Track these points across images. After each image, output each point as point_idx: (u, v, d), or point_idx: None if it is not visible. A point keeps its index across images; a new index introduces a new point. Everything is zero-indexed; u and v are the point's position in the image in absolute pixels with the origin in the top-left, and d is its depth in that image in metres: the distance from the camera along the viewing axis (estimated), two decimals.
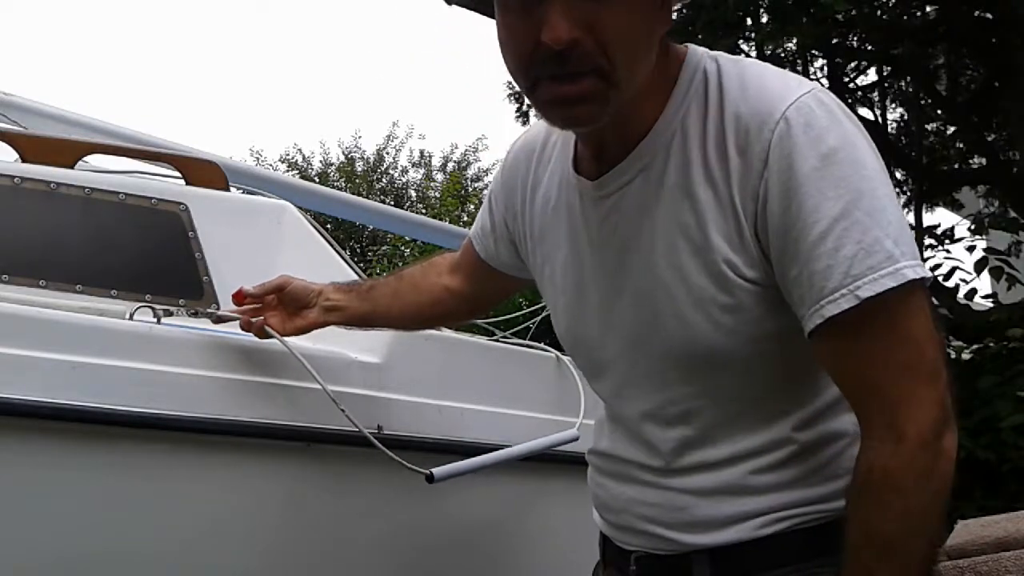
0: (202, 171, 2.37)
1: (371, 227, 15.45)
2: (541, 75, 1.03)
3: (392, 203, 16.89)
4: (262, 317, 1.74)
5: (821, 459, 1.15)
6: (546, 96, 1.05)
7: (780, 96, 1.03)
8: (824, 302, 1.01)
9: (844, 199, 1.00)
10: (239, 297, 1.75)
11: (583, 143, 1.19)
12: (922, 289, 1.03)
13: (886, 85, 8.78)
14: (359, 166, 19.34)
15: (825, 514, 1.14)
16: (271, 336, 1.73)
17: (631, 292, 1.16)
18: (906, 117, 9.01)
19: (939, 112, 8.86)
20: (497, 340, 2.63)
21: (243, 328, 1.75)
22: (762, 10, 7.45)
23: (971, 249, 8.06)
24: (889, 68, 8.59)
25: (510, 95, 15.61)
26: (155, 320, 1.83)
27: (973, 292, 6.96)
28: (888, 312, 1.01)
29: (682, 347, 1.12)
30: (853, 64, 8.38)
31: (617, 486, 1.27)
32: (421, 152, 19.70)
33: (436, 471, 1.84)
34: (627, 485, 1.24)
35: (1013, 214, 8.21)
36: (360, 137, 20.93)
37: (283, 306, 1.73)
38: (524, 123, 15.43)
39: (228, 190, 2.46)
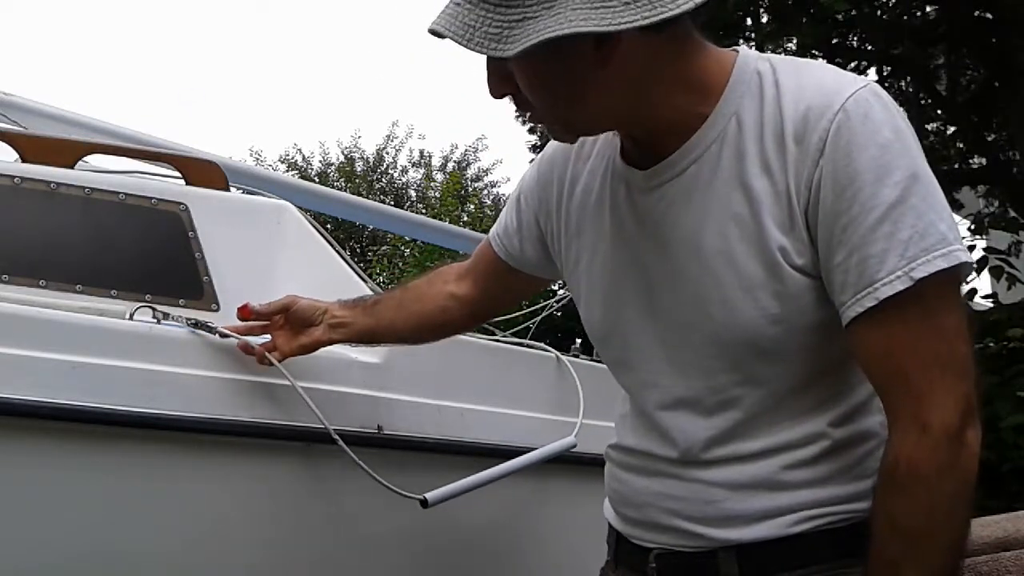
0: (202, 171, 2.37)
1: (371, 227, 15.45)
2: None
3: (392, 203, 16.89)
4: (263, 340, 1.75)
5: (852, 458, 1.15)
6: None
7: (837, 90, 1.06)
8: (879, 284, 1.03)
9: (900, 186, 1.03)
10: (245, 312, 1.73)
11: (632, 141, 1.20)
12: (959, 281, 1.07)
13: (886, 85, 8.77)
14: (359, 166, 19.35)
15: (854, 514, 1.14)
16: (271, 363, 1.71)
17: (677, 280, 1.15)
18: (906, 117, 9.00)
19: (939, 112, 8.86)
20: (497, 340, 2.63)
21: (243, 351, 1.75)
22: (762, 10, 7.45)
23: (971, 249, 8.07)
24: (889, 68, 8.59)
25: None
26: (155, 320, 1.83)
27: (973, 292, 6.97)
28: (934, 294, 1.03)
29: (728, 333, 1.12)
30: (853, 64, 8.38)
31: (641, 480, 1.25)
32: (421, 152, 19.72)
33: (430, 496, 1.83)
34: (653, 479, 1.23)
35: (1013, 214, 8.22)
36: (360, 137, 20.99)
37: (289, 325, 1.72)
38: (524, 123, 15.49)
39: (228, 190, 2.46)
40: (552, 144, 1.35)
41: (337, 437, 1.77)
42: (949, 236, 1.03)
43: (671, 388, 1.20)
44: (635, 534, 1.27)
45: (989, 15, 7.72)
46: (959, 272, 1.04)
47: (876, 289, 1.03)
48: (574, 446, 2.15)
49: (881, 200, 1.02)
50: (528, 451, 2.11)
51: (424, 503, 1.83)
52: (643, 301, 1.20)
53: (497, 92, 1.11)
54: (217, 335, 1.79)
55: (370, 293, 2.28)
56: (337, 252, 2.40)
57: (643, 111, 1.12)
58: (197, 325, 1.79)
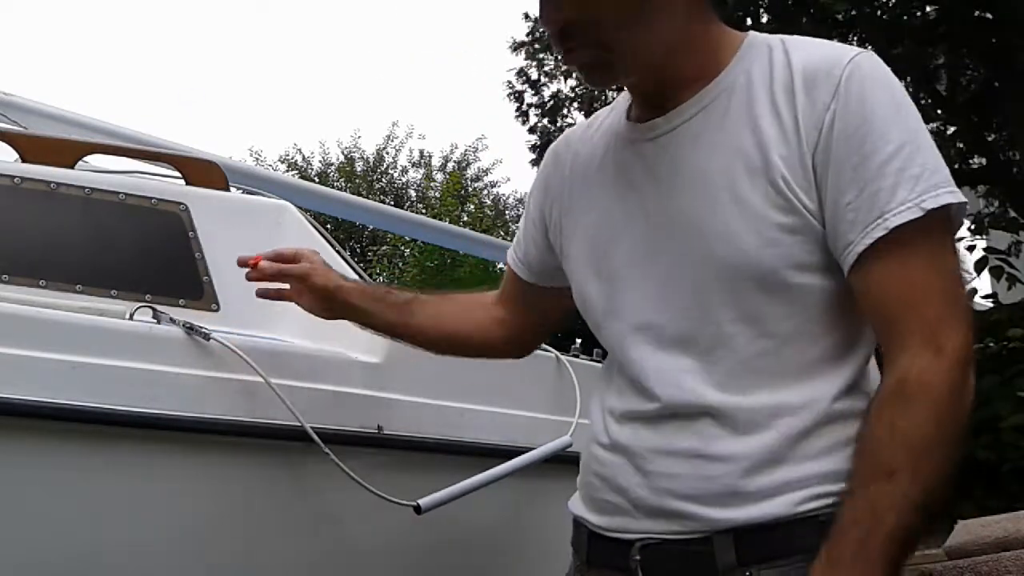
0: (202, 171, 2.37)
1: (371, 227, 15.45)
2: (559, 49, 1.17)
3: (392, 203, 16.90)
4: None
5: (848, 435, 1.11)
6: (565, 64, 1.20)
7: (845, 51, 1.12)
8: (889, 214, 1.05)
9: (910, 129, 1.08)
10: (256, 273, 1.64)
11: (642, 100, 1.23)
12: (958, 226, 1.12)
13: None
14: (359, 166, 19.36)
15: None
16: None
17: (677, 218, 1.15)
18: None
19: (939, 112, 8.86)
20: None
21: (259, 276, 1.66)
22: (762, 10, 7.46)
23: (971, 249, 8.08)
24: (889, 68, 8.59)
25: (510, 95, 15.69)
26: (155, 320, 1.83)
27: (973, 292, 6.98)
28: (939, 231, 1.07)
29: (727, 262, 1.11)
30: None
31: (624, 460, 1.18)
32: (421, 152, 19.75)
33: (423, 501, 1.83)
34: (640, 457, 1.16)
35: (1013, 214, 8.22)
36: (360, 137, 20.99)
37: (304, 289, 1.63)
38: (524, 123, 15.51)
39: (228, 190, 2.46)
40: (556, 141, 1.38)
41: (320, 442, 1.77)
42: (950, 179, 1.08)
43: (664, 328, 1.16)
44: (615, 525, 1.19)
45: (989, 15, 7.72)
46: (961, 213, 1.08)
47: (886, 219, 1.05)
48: (570, 445, 2.15)
49: (892, 139, 1.06)
50: (526, 451, 2.11)
51: (417, 509, 1.82)
52: (640, 250, 1.18)
53: (555, 20, 1.14)
54: (212, 340, 1.78)
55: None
56: (337, 252, 2.40)
57: (676, 55, 1.16)
58: (192, 329, 1.78)
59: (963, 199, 1.08)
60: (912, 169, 1.06)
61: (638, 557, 1.16)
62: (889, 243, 1.05)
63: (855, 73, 1.09)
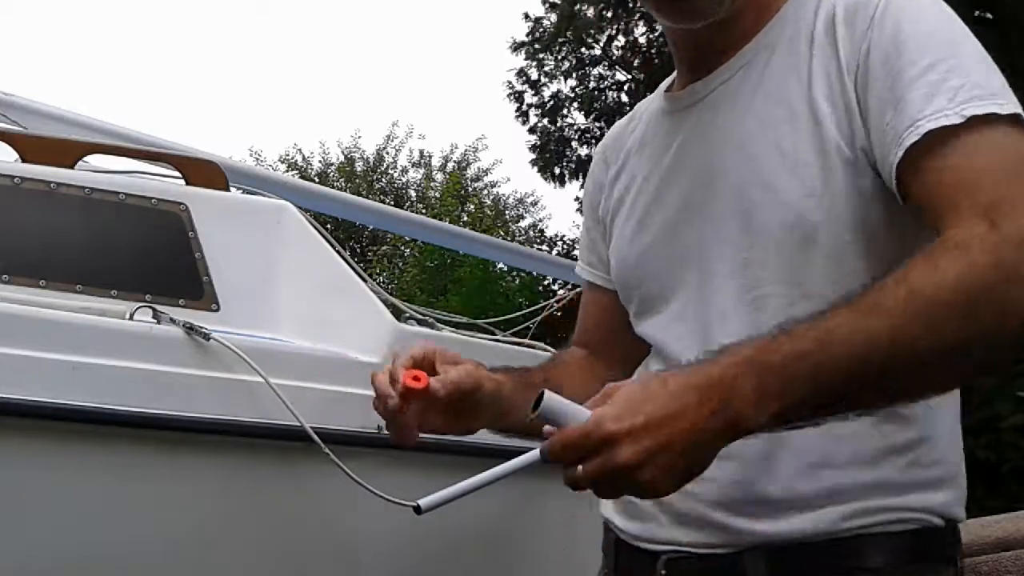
0: (202, 171, 2.37)
1: (371, 227, 15.45)
2: None
3: (392, 203, 16.90)
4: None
5: (900, 441, 0.99)
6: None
7: None
8: (922, 120, 0.93)
9: (951, 44, 0.97)
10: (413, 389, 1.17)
11: (683, 63, 1.18)
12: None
13: None
14: (359, 166, 19.36)
15: (914, 517, 0.99)
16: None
17: (717, 177, 1.07)
18: None
19: None
20: (497, 340, 2.63)
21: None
22: None
23: None
24: None
25: (510, 95, 15.71)
26: (155, 320, 1.83)
27: None
28: (995, 132, 0.91)
29: (769, 217, 1.01)
30: None
31: None
32: (421, 152, 19.76)
33: (423, 502, 1.82)
34: None
35: None
36: (360, 137, 21.03)
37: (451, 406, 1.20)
38: (524, 123, 15.55)
39: (228, 190, 2.46)
40: (602, 141, 1.34)
41: (320, 442, 1.77)
42: (1001, 92, 0.94)
43: (701, 300, 1.07)
44: (642, 533, 1.08)
45: (989, 15, 7.72)
46: (1018, 120, 0.92)
47: (918, 125, 0.92)
48: None
49: (928, 54, 0.95)
50: (526, 451, 2.10)
51: (417, 509, 1.82)
52: (680, 215, 1.10)
53: None
54: (212, 340, 1.79)
55: (370, 294, 2.28)
56: (337, 252, 2.40)
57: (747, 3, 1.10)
58: (192, 329, 1.78)
59: (1019, 110, 0.93)
60: (952, 81, 0.93)
61: (664, 572, 1.05)
62: (924, 150, 0.92)
63: (892, 3, 1.00)
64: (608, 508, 1.17)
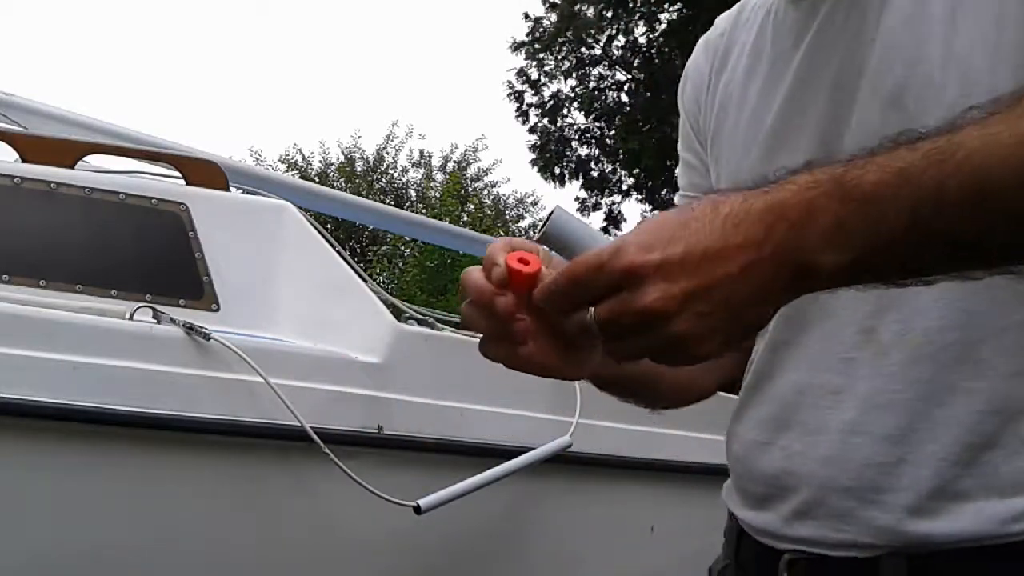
0: (202, 171, 2.37)
1: (371, 227, 15.45)
2: None
3: (392, 203, 16.91)
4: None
5: None
6: None
7: None
8: None
9: None
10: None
11: None
12: None
13: None
14: (359, 166, 19.38)
15: None
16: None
17: (863, 83, 0.81)
18: None
19: None
20: None
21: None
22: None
23: None
24: None
25: (510, 95, 15.70)
26: (155, 320, 1.83)
27: None
28: None
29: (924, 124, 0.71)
30: None
31: (780, 431, 0.84)
32: (421, 152, 19.77)
33: (423, 502, 1.83)
34: (810, 436, 0.82)
35: None
36: (360, 137, 21.04)
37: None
38: (524, 123, 15.55)
39: (228, 190, 2.46)
40: (694, 54, 1.07)
41: (320, 442, 1.77)
42: None
43: None
44: (765, 526, 0.86)
45: None
46: None
47: None
48: (570, 445, 2.15)
49: None
50: (526, 451, 2.11)
51: (417, 509, 1.83)
52: (812, 133, 0.85)
53: None
54: (212, 340, 1.79)
55: (370, 294, 2.28)
56: (337, 252, 2.40)
57: None
58: (192, 329, 1.79)
59: None
60: None
61: (786, 575, 0.84)
62: None
63: None
64: (729, 493, 0.95)
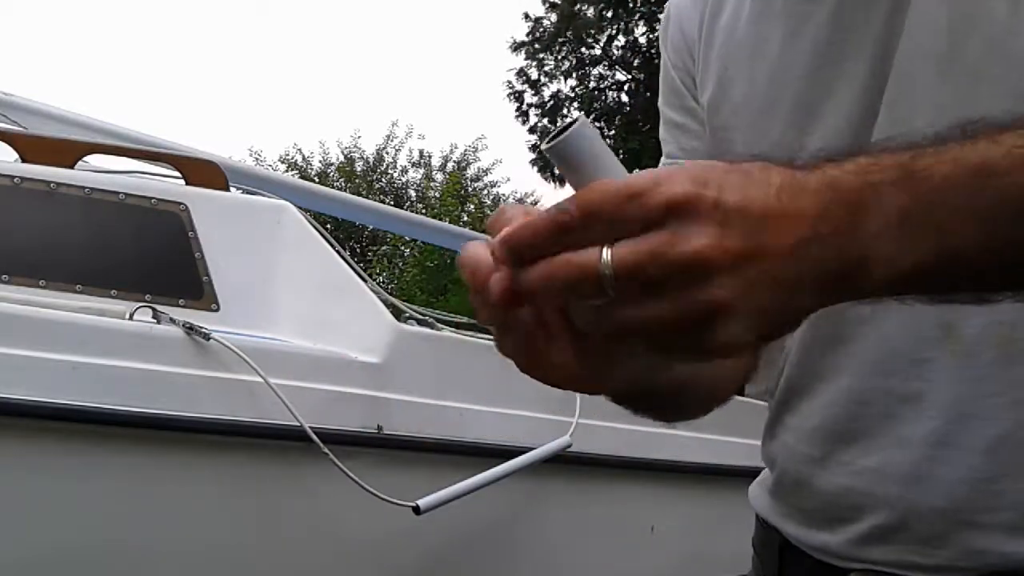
0: (202, 171, 2.37)
1: (371, 227, 15.45)
2: None
3: (392, 203, 16.90)
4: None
5: None
6: None
7: None
8: None
9: None
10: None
11: None
12: None
13: None
14: (359, 166, 19.38)
15: None
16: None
17: (912, 44, 0.68)
18: None
19: None
20: None
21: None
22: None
23: None
24: None
25: (510, 95, 15.72)
26: (155, 320, 1.83)
27: None
28: None
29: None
30: None
31: (865, 459, 0.72)
32: (421, 152, 19.75)
33: (422, 502, 1.83)
34: (884, 452, 0.70)
35: None
36: (359, 137, 21.00)
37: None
38: (524, 123, 15.56)
39: (228, 190, 2.46)
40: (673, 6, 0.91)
41: (319, 443, 1.77)
42: None
43: None
44: (826, 545, 0.75)
45: None
46: None
47: None
48: (570, 446, 2.15)
49: None
50: (526, 451, 2.11)
51: (417, 510, 1.83)
52: (852, 103, 0.71)
53: None
54: (211, 340, 1.79)
55: (370, 294, 2.28)
56: (337, 252, 2.40)
57: None
58: (192, 329, 1.79)
59: None
60: None
61: None
62: None
63: None
64: (762, 502, 0.83)
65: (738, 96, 0.80)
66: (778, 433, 0.79)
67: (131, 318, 1.83)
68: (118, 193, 2.14)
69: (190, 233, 2.16)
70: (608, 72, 15.43)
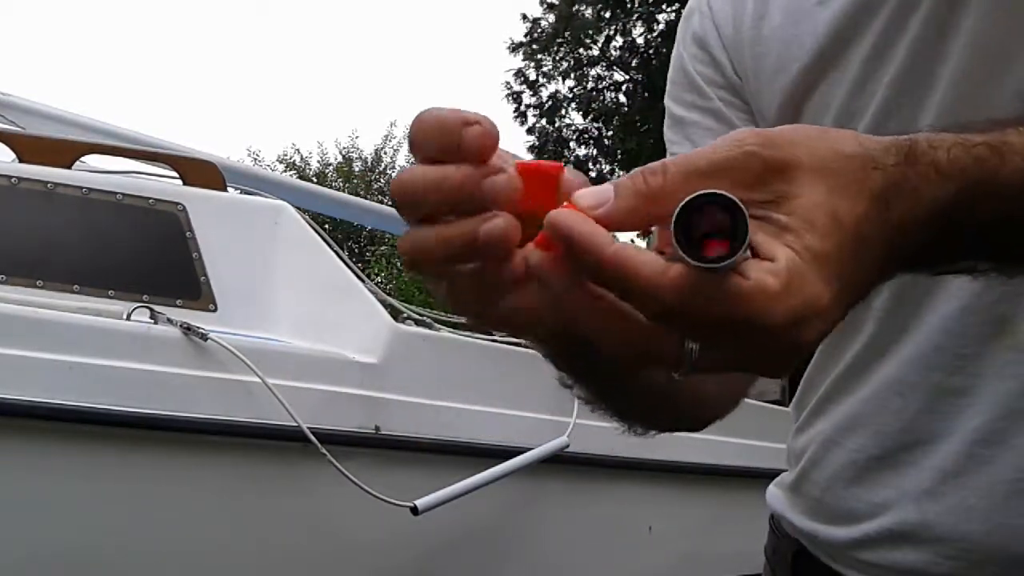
0: (200, 171, 2.37)
1: (369, 227, 15.45)
2: None
3: (390, 203, 16.88)
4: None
5: None
6: None
7: None
8: None
9: None
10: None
11: None
12: None
13: None
14: (357, 166, 19.38)
15: None
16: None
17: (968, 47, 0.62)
18: None
19: None
20: (494, 340, 2.63)
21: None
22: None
23: None
24: None
25: (508, 95, 15.71)
26: (152, 320, 1.83)
27: None
28: None
29: None
30: None
31: (899, 455, 0.67)
32: None
33: (420, 502, 1.83)
34: (922, 447, 0.67)
35: None
36: (358, 137, 21.07)
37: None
38: (522, 123, 15.54)
39: (226, 190, 2.46)
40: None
41: (317, 443, 1.77)
42: None
43: None
44: (846, 540, 0.71)
45: None
46: None
47: None
48: (567, 446, 2.15)
49: None
50: (523, 451, 2.11)
51: (414, 510, 1.83)
52: (941, 114, 0.64)
53: None
54: (209, 341, 1.79)
55: (368, 294, 2.28)
56: (335, 252, 2.40)
57: None
58: (189, 329, 1.79)
59: None
60: None
61: None
62: None
63: None
64: (781, 502, 0.79)
65: (814, 98, 0.71)
66: (814, 423, 0.75)
67: (128, 318, 1.83)
68: (116, 193, 2.14)
69: (188, 233, 2.16)
70: (606, 73, 15.43)
